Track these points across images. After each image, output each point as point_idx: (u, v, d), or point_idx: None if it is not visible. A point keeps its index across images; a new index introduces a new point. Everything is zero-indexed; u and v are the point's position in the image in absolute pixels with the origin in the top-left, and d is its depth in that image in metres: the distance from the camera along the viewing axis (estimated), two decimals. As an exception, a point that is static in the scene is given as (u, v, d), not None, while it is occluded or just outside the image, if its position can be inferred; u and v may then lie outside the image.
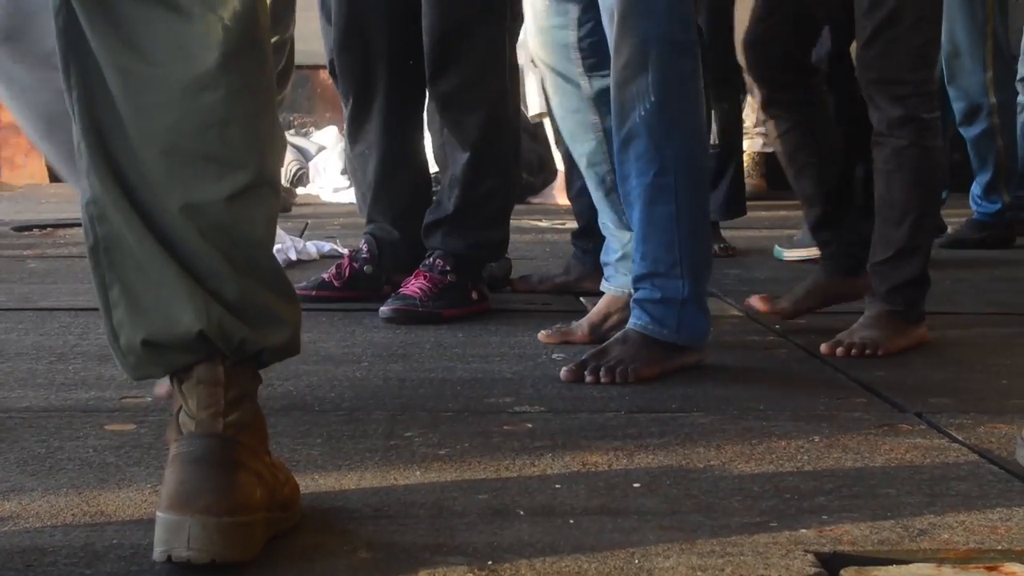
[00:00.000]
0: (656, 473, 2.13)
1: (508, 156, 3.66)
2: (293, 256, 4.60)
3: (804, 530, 1.85)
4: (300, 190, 7.58)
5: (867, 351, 3.06)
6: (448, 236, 3.58)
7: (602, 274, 3.65)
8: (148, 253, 1.69)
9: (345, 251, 4.57)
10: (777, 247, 4.77)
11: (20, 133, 7.71)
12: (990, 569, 1.73)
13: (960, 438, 2.36)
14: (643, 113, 2.81)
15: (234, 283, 1.70)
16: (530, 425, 2.43)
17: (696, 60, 2.87)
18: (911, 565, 1.74)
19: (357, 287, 3.72)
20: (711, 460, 2.20)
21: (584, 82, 3.12)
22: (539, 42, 3.19)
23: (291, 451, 2.22)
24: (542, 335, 3.19)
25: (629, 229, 3.01)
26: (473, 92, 3.55)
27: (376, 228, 3.77)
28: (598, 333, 3.13)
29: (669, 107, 2.82)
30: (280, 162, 1.78)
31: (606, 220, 3.18)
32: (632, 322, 2.88)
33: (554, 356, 3.03)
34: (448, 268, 3.53)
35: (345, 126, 3.82)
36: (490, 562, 1.71)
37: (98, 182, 1.70)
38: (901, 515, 1.92)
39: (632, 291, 2.94)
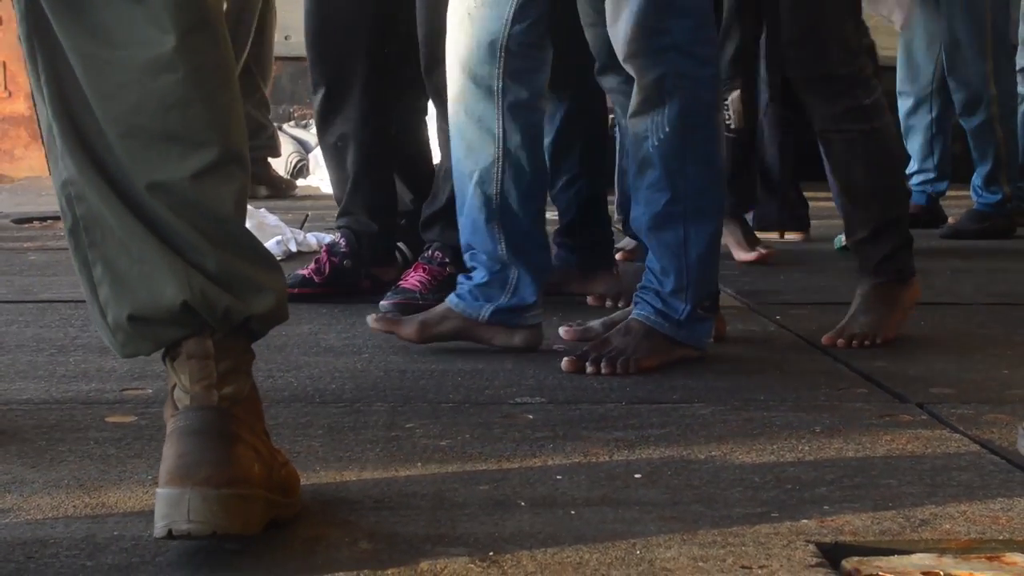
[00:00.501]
0: (657, 464, 2.13)
1: None
2: (294, 247, 4.60)
3: (805, 520, 1.85)
4: (300, 181, 7.58)
5: (866, 342, 3.07)
6: (446, 228, 3.57)
7: (589, 273, 3.64)
8: (127, 229, 1.70)
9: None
10: (839, 237, 4.65)
11: (20, 125, 7.71)
12: (991, 559, 1.73)
13: (961, 428, 2.35)
14: (656, 143, 2.79)
15: (212, 255, 1.71)
16: (531, 416, 2.43)
17: (714, 92, 2.85)
18: (912, 555, 1.73)
19: (337, 282, 3.70)
20: (712, 451, 2.20)
21: (499, 88, 2.89)
22: (458, 30, 2.92)
23: (292, 442, 2.22)
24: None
25: (502, 263, 2.94)
26: None
27: (352, 221, 3.75)
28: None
29: (684, 138, 2.79)
30: (245, 138, 1.78)
31: (480, 249, 2.97)
32: (635, 312, 2.88)
33: (555, 347, 3.02)
34: (447, 260, 3.52)
35: (315, 116, 3.81)
36: (491, 553, 1.71)
37: (73, 163, 1.72)
38: (902, 505, 1.92)
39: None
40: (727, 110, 4.42)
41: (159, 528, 1.64)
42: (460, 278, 3.03)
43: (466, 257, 3.00)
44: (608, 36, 2.94)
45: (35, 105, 1.76)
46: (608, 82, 3.32)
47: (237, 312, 1.73)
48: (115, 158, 1.71)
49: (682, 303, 2.83)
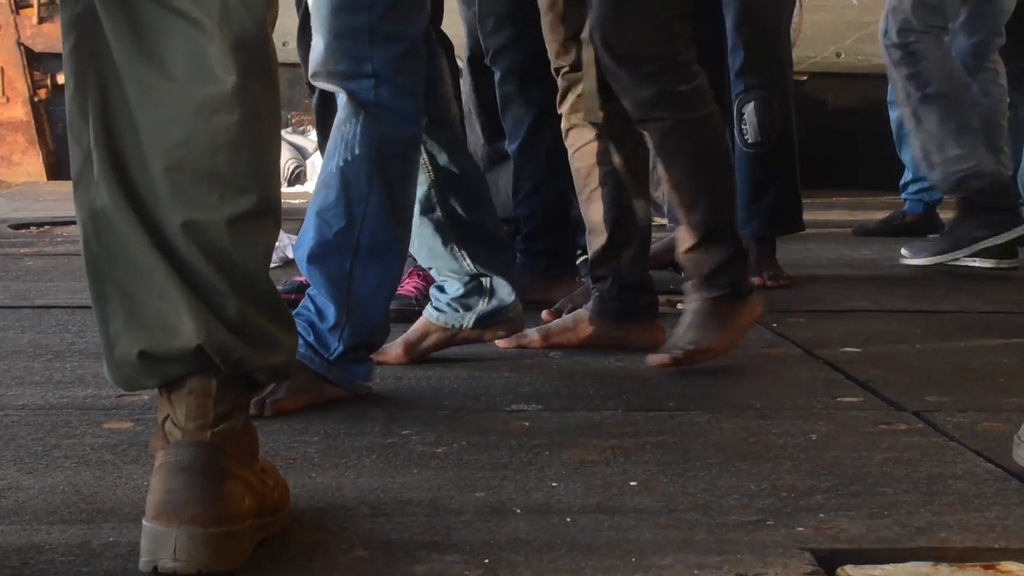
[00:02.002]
0: (653, 471, 2.13)
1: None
2: (290, 254, 4.58)
3: (801, 528, 1.85)
4: (298, 187, 7.58)
5: (694, 359, 2.87)
6: None
7: (552, 280, 3.61)
8: (151, 265, 1.68)
9: None
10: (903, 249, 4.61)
11: (17, 130, 7.71)
12: (987, 567, 1.73)
13: (957, 437, 2.36)
14: (341, 164, 2.57)
15: (234, 303, 1.69)
16: (527, 423, 2.43)
17: (416, 130, 2.62)
18: (908, 563, 1.74)
19: None
20: (708, 458, 2.20)
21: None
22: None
23: (288, 449, 2.22)
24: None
25: (472, 274, 2.88)
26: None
27: None
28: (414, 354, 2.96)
29: (373, 166, 2.55)
30: (280, 191, 1.78)
31: (447, 272, 2.90)
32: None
33: (551, 354, 3.03)
34: None
35: (314, 121, 3.80)
36: (487, 560, 1.71)
37: (108, 194, 1.68)
38: (898, 513, 1.92)
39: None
40: (744, 124, 4.24)
41: (144, 563, 1.64)
42: (433, 291, 2.97)
43: (433, 273, 2.96)
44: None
45: (70, 129, 1.73)
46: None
47: (248, 363, 1.71)
48: (153, 192, 1.67)
49: (336, 341, 2.56)
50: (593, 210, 3.08)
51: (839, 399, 2.67)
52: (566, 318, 3.17)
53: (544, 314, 3.39)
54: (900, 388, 2.74)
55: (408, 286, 3.49)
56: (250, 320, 1.71)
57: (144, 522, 1.65)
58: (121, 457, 2.17)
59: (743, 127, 4.24)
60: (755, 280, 4.12)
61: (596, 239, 3.10)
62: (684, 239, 2.93)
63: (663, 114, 2.88)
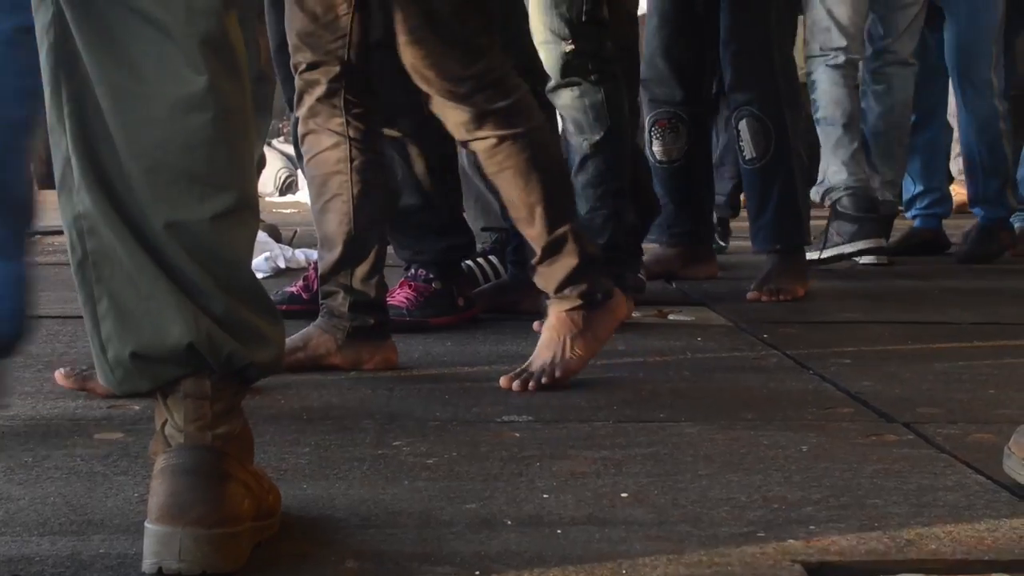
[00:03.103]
0: (644, 483, 2.13)
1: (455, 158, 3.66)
2: (282, 264, 4.59)
3: (792, 540, 1.85)
4: (289, 197, 7.59)
5: (544, 380, 2.80)
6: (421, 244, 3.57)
7: (539, 291, 3.59)
8: (138, 267, 1.69)
9: None
10: None
11: (8, 140, 7.70)
12: (977, 580, 1.74)
13: (948, 448, 2.36)
14: None
15: (220, 299, 1.71)
16: (518, 434, 2.43)
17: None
18: (898, 575, 1.74)
19: None
20: (699, 470, 2.20)
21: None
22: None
23: (279, 460, 2.22)
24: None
25: None
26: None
27: None
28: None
29: None
30: (256, 185, 1.81)
31: None
32: None
33: (542, 365, 3.02)
34: (432, 276, 3.53)
35: (293, 135, 3.80)
36: (477, 572, 1.71)
37: (89, 198, 1.70)
38: (888, 525, 1.92)
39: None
40: (741, 141, 4.23)
41: (148, 564, 1.65)
42: None
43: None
44: (556, 53, 2.93)
45: (51, 135, 1.74)
46: (560, 98, 3.32)
47: (239, 358, 1.73)
48: (134, 195, 1.70)
49: None
50: (327, 221, 2.95)
51: (830, 410, 2.67)
52: (294, 337, 2.96)
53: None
54: (891, 400, 2.75)
55: (399, 297, 3.50)
56: (238, 316, 1.72)
57: (147, 524, 1.66)
58: (111, 468, 2.16)
59: (740, 144, 4.24)
60: (751, 295, 4.12)
61: (328, 253, 2.96)
62: (531, 254, 2.90)
63: (483, 133, 2.81)
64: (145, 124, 1.69)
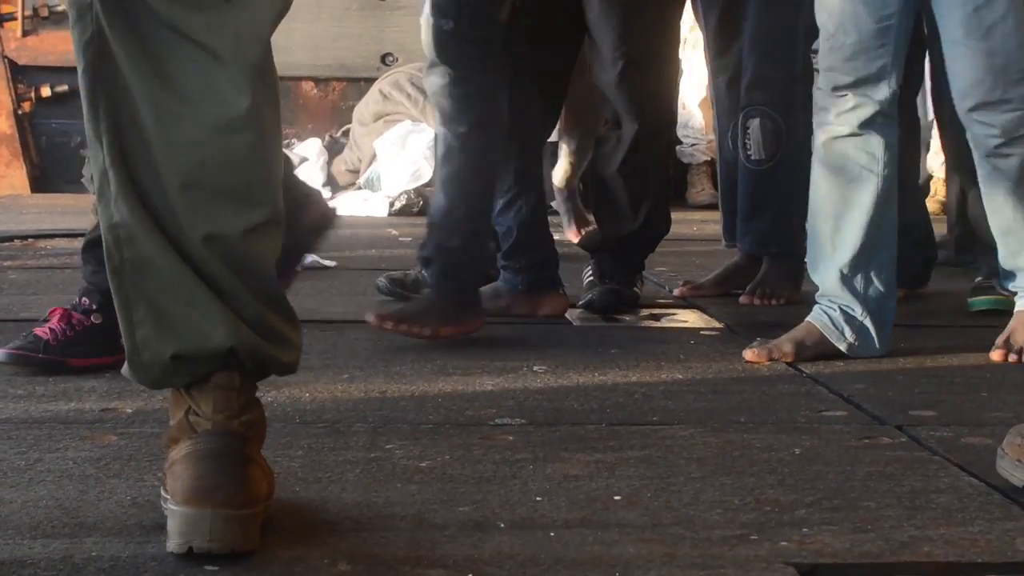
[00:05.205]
0: (637, 486, 2.13)
1: None
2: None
3: (785, 543, 1.85)
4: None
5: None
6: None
7: (536, 295, 3.61)
8: (178, 276, 1.79)
9: (331, 264, 4.57)
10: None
11: (0, 143, 7.69)
12: (970, 582, 1.74)
13: (940, 451, 2.36)
14: None
15: (252, 307, 1.82)
16: (511, 437, 2.43)
17: None
18: (891, 578, 1.74)
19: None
20: (692, 473, 2.21)
21: None
22: None
23: (272, 463, 2.19)
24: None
25: None
26: None
27: None
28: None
29: None
30: (282, 201, 1.89)
31: None
32: None
33: (535, 368, 3.03)
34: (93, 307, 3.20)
35: None
36: (470, 575, 1.71)
37: (126, 208, 1.79)
38: (881, 528, 1.92)
39: None
40: (747, 138, 4.11)
41: (177, 544, 1.71)
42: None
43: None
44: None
45: (89, 147, 1.82)
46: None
47: (272, 361, 1.85)
48: (171, 207, 1.78)
49: None
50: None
51: (823, 413, 2.67)
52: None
53: (743, 298, 3.89)
54: (883, 402, 2.75)
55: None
56: (267, 321, 1.84)
57: (173, 507, 1.72)
58: (104, 471, 2.16)
59: (747, 141, 4.15)
60: (744, 299, 4.10)
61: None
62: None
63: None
64: (188, 143, 1.77)
